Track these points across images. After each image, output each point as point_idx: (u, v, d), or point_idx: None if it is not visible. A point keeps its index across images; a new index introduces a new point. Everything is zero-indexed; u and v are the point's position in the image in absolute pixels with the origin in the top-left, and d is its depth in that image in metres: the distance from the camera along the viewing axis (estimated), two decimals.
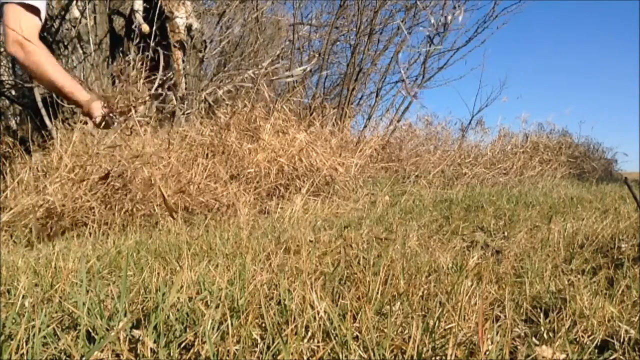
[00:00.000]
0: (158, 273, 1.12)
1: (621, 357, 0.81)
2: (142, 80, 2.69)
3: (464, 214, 2.30)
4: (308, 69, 4.31)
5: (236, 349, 0.77)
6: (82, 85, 2.00)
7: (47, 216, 1.71)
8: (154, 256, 1.35)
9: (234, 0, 4.38)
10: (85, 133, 2.23)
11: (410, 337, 0.80)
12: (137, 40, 3.11)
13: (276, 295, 0.99)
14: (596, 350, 0.84)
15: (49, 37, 2.82)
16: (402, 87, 4.69)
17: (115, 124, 2.04)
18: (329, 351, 0.78)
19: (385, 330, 0.84)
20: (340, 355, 0.77)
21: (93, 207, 1.78)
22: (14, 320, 0.81)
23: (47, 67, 1.77)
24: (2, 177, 1.91)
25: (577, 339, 0.86)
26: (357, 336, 0.83)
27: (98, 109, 1.93)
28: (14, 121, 3.28)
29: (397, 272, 1.13)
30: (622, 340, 0.85)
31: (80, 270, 1.01)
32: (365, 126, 4.76)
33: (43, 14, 1.76)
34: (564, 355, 0.80)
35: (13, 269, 1.16)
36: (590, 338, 0.87)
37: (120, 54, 3.30)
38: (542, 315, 0.97)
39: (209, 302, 0.91)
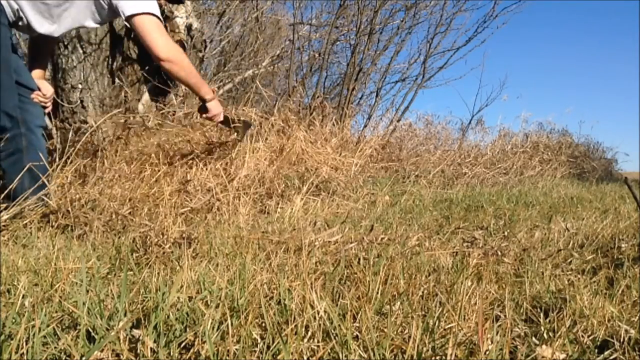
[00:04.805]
0: (158, 273, 1.12)
1: (621, 357, 0.81)
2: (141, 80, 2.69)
3: (464, 214, 2.30)
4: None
5: (236, 349, 0.77)
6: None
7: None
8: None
9: (234, 0, 4.38)
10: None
11: (410, 336, 0.80)
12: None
13: (276, 295, 0.99)
14: (596, 350, 0.84)
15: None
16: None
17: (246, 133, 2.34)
18: (329, 351, 0.78)
19: (385, 330, 0.84)
20: (340, 355, 0.77)
21: None
22: (14, 320, 0.81)
23: (190, 71, 2.00)
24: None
25: (577, 339, 0.86)
26: (357, 336, 0.83)
27: (218, 108, 2.16)
28: None
29: (397, 272, 1.13)
30: (622, 340, 0.85)
31: (81, 270, 1.01)
32: (365, 126, 4.76)
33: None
34: (563, 355, 0.80)
35: (13, 269, 1.16)
36: (591, 338, 0.87)
37: (120, 54, 3.30)
38: (542, 315, 0.97)
39: (209, 302, 0.91)
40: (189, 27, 3.41)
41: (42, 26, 1.93)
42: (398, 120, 4.94)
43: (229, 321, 0.80)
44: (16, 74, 1.86)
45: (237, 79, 4.61)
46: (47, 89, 2.09)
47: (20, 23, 1.90)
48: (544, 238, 1.68)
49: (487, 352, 0.77)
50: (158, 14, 1.88)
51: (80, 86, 3.07)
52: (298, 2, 4.54)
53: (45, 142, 2.00)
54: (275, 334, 0.80)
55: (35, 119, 1.91)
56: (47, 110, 2.11)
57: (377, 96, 4.86)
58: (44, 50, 2.23)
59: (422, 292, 1.05)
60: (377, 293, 0.98)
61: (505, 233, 1.83)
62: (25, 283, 0.97)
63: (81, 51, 3.05)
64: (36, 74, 2.12)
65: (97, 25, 2.05)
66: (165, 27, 3.33)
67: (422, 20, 4.86)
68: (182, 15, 3.38)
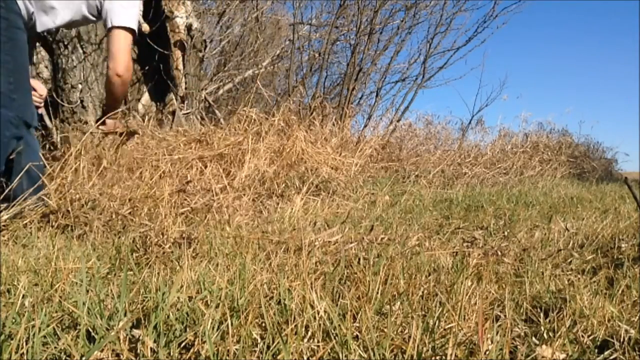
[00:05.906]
0: (158, 273, 1.12)
1: (621, 357, 0.81)
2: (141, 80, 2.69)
3: (464, 214, 2.30)
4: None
5: (236, 349, 0.77)
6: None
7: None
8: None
9: (234, 0, 4.38)
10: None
11: (410, 336, 0.80)
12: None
13: (276, 295, 0.99)
14: (596, 350, 0.84)
15: (49, 36, 2.81)
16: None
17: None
18: (329, 351, 0.78)
19: (385, 330, 0.84)
20: (340, 355, 0.77)
21: None
22: (14, 320, 0.81)
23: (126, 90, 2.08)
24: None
25: (577, 339, 0.86)
26: (357, 336, 0.83)
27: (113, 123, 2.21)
28: None
29: (397, 272, 1.12)
30: (622, 340, 0.85)
31: (81, 270, 1.01)
32: (365, 126, 4.77)
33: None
34: (563, 355, 0.80)
35: (13, 269, 1.16)
36: (591, 338, 0.87)
37: None
38: (542, 315, 0.97)
39: (209, 302, 0.91)
40: (189, 27, 3.41)
41: (42, 24, 1.93)
42: (398, 120, 4.94)
43: (229, 321, 0.80)
44: None
45: (237, 79, 4.61)
46: (42, 89, 2.10)
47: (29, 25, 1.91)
48: (544, 238, 1.68)
49: (487, 352, 0.77)
50: (136, 28, 1.92)
51: (80, 86, 3.07)
52: (298, 2, 4.54)
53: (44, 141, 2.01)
54: (275, 334, 0.80)
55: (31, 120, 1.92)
56: (39, 111, 2.11)
57: (377, 96, 4.86)
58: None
59: (422, 292, 1.05)
60: (377, 293, 0.98)
61: (505, 233, 1.83)
62: (25, 283, 0.97)
63: (81, 51, 3.05)
64: None
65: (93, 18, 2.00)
66: (165, 27, 3.34)
67: (422, 20, 4.87)
68: (182, 15, 3.38)
